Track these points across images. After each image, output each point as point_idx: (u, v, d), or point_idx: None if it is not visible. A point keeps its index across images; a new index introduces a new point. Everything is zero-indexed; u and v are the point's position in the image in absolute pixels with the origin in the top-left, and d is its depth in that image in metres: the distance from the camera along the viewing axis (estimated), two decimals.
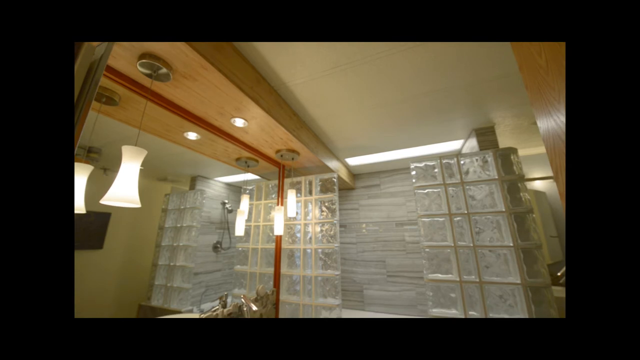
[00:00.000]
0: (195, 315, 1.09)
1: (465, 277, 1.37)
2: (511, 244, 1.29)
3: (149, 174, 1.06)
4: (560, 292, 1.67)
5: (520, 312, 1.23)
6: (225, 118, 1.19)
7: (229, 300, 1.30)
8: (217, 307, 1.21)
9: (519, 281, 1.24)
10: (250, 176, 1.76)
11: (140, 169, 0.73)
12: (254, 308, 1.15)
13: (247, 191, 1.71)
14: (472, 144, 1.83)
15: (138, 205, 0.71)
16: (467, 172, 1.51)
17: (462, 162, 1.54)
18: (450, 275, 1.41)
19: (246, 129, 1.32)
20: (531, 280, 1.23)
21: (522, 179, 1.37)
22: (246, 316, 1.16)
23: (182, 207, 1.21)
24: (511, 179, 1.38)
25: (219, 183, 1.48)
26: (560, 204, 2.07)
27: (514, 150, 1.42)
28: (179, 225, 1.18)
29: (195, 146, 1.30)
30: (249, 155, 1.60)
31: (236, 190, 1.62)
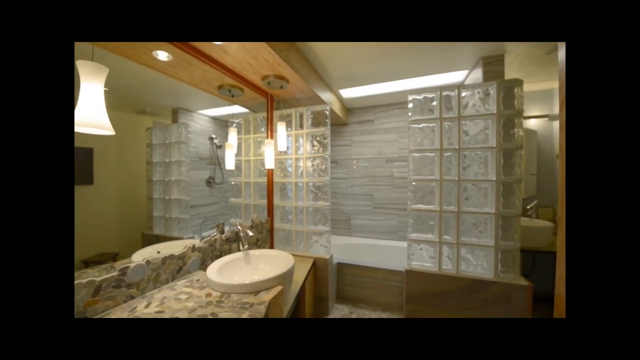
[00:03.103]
0: (196, 241, 1.18)
1: (445, 207, 1.49)
2: (494, 179, 1.35)
3: (125, 106, 0.95)
4: (525, 222, 1.87)
5: (488, 237, 1.40)
6: None
7: (226, 228, 1.40)
8: (216, 233, 1.31)
9: (493, 211, 1.36)
10: (237, 109, 1.64)
11: (106, 91, 0.64)
12: (250, 234, 1.25)
13: (235, 124, 1.61)
14: (476, 75, 1.68)
15: (111, 131, 0.66)
16: (466, 106, 1.44)
17: (463, 94, 1.44)
18: (431, 206, 1.53)
19: (225, 48, 1.14)
20: (504, 211, 1.35)
21: (521, 114, 1.33)
22: (243, 241, 1.27)
23: (167, 141, 1.16)
24: (509, 114, 1.34)
25: (203, 116, 1.37)
26: (548, 144, 2.10)
27: (519, 83, 1.33)
28: (167, 161, 1.15)
29: (169, 69, 1.14)
30: (232, 82, 1.44)
31: (223, 124, 1.53)
